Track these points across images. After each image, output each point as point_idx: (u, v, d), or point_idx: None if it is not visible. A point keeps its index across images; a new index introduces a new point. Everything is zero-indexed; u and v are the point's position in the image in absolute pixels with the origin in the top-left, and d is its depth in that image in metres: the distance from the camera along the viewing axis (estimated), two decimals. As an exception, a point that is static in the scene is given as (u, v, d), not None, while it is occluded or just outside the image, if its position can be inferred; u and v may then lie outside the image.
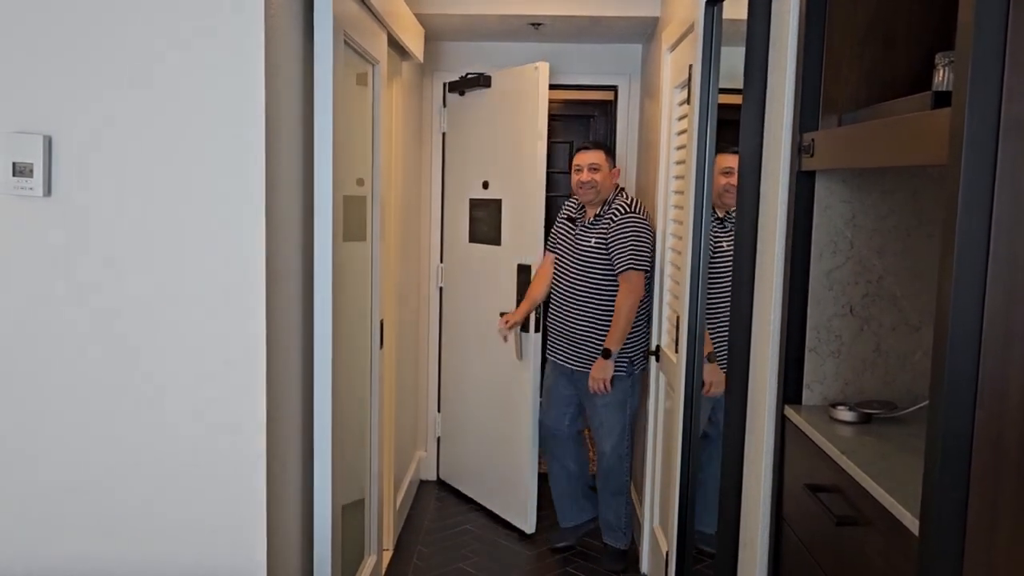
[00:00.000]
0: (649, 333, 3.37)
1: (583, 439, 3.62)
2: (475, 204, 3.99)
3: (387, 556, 3.44)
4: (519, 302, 3.65)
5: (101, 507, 1.84)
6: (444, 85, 4.22)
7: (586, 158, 3.36)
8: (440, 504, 4.16)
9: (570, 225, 3.47)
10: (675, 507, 2.69)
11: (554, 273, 3.50)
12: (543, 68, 3.56)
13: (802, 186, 1.74)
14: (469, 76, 3.96)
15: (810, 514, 1.64)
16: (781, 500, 1.81)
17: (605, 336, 3.28)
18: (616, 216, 3.29)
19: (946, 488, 1.10)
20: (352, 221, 2.58)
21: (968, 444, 1.09)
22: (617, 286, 3.28)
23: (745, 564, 1.98)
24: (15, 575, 1.85)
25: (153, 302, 1.79)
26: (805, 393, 1.79)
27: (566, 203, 3.58)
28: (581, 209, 3.46)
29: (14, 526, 1.84)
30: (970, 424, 1.09)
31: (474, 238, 4.01)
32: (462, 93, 4.05)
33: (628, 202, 3.34)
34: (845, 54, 1.66)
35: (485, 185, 3.88)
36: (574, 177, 3.39)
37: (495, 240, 3.85)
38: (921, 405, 1.68)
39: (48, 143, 1.75)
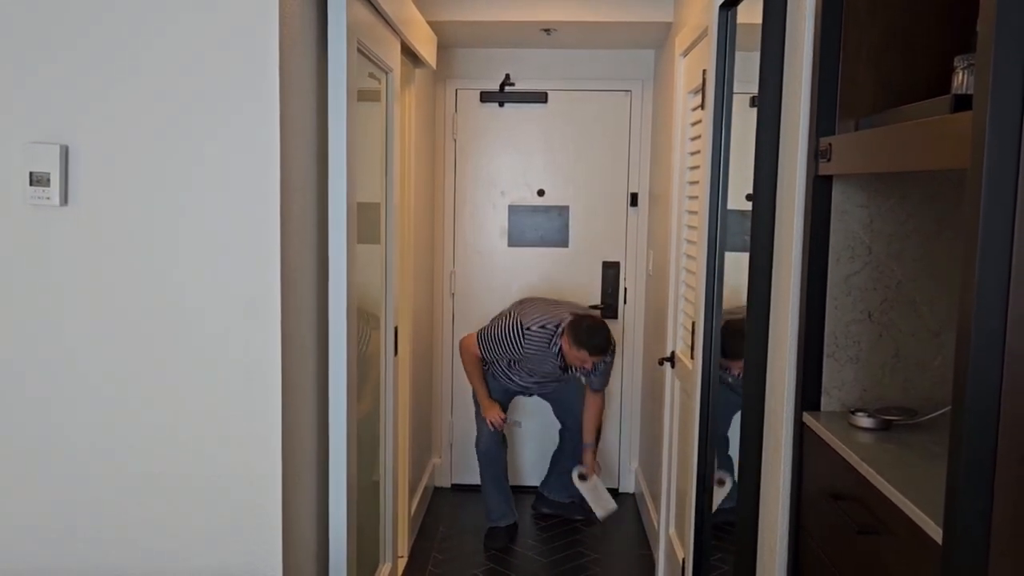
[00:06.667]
0: None
1: None
2: (525, 210, 4.34)
3: (402, 563, 3.43)
4: (604, 296, 4.30)
5: (115, 519, 1.84)
6: (455, 92, 4.27)
7: (596, 359, 3.52)
8: (454, 511, 4.15)
9: (553, 362, 3.63)
10: (691, 513, 2.67)
11: (514, 368, 3.71)
12: (632, 95, 4.23)
13: (819, 191, 1.72)
14: (517, 89, 4.25)
15: (830, 522, 1.63)
16: (800, 508, 1.79)
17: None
18: (605, 360, 3.64)
19: (970, 496, 1.08)
20: (366, 228, 2.58)
21: (992, 451, 1.08)
22: None
23: (763, 574, 1.96)
24: (32, 583, 1.85)
25: (169, 310, 1.79)
26: (823, 399, 1.77)
27: (533, 341, 3.59)
28: (558, 355, 3.61)
29: (30, 538, 1.84)
30: (994, 431, 1.07)
31: (519, 242, 4.34)
32: (501, 104, 4.26)
33: None
34: (862, 58, 1.64)
35: (540, 193, 4.32)
36: (578, 363, 3.54)
37: (561, 243, 4.34)
38: (942, 411, 1.66)
39: (65, 153, 1.76)
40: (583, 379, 3.78)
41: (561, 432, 4.03)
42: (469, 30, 3.81)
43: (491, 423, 3.71)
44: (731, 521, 2.17)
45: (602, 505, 3.77)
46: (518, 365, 3.69)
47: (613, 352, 3.67)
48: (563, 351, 3.55)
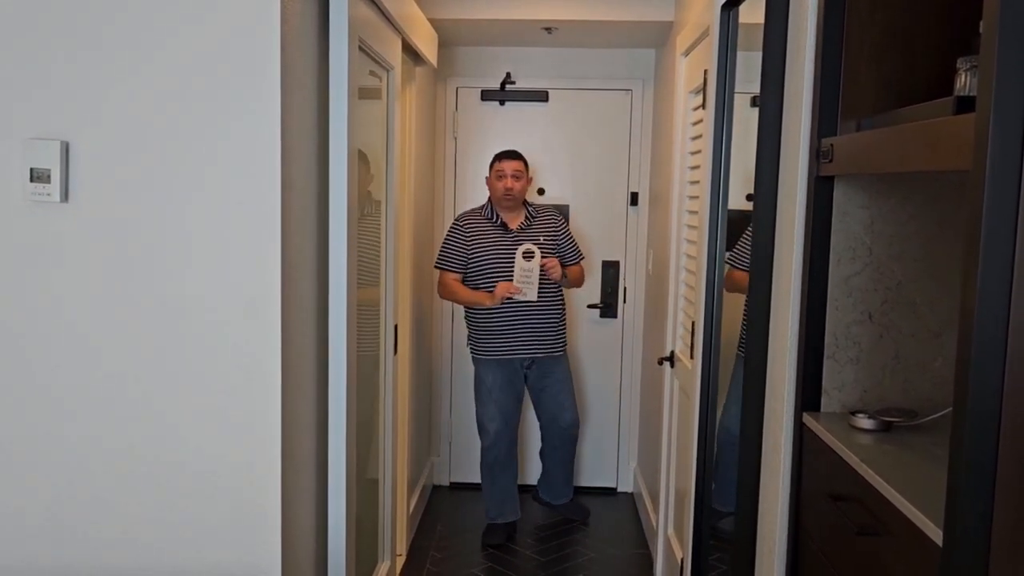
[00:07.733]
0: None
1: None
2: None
3: (400, 561, 3.43)
4: (604, 295, 4.33)
5: (116, 517, 1.84)
6: (456, 90, 4.27)
7: (511, 165, 3.63)
8: (453, 509, 4.15)
9: (500, 235, 3.66)
10: (690, 514, 2.67)
11: (488, 281, 3.64)
12: (632, 95, 4.25)
13: (820, 192, 1.72)
14: (518, 88, 4.24)
15: (829, 523, 1.63)
16: (799, 508, 1.79)
17: (563, 314, 3.78)
18: (553, 218, 3.79)
19: (971, 498, 1.08)
20: (366, 225, 2.58)
21: (993, 453, 1.07)
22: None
23: (762, 574, 1.96)
24: (31, 580, 1.85)
25: (169, 308, 1.79)
26: (823, 400, 1.77)
27: (465, 220, 3.71)
28: (495, 220, 3.67)
29: (30, 537, 1.84)
30: (995, 432, 1.07)
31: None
32: (502, 103, 4.28)
33: (544, 205, 3.86)
34: (864, 58, 1.64)
35: (541, 191, 4.31)
36: (498, 184, 3.63)
37: None
38: (943, 413, 1.66)
39: (66, 149, 1.75)
40: (553, 256, 3.62)
41: (540, 428, 4.01)
42: (470, 28, 3.80)
43: (509, 294, 3.53)
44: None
45: (525, 292, 3.54)
46: (484, 268, 3.62)
47: (563, 216, 3.89)
48: (492, 201, 3.68)
